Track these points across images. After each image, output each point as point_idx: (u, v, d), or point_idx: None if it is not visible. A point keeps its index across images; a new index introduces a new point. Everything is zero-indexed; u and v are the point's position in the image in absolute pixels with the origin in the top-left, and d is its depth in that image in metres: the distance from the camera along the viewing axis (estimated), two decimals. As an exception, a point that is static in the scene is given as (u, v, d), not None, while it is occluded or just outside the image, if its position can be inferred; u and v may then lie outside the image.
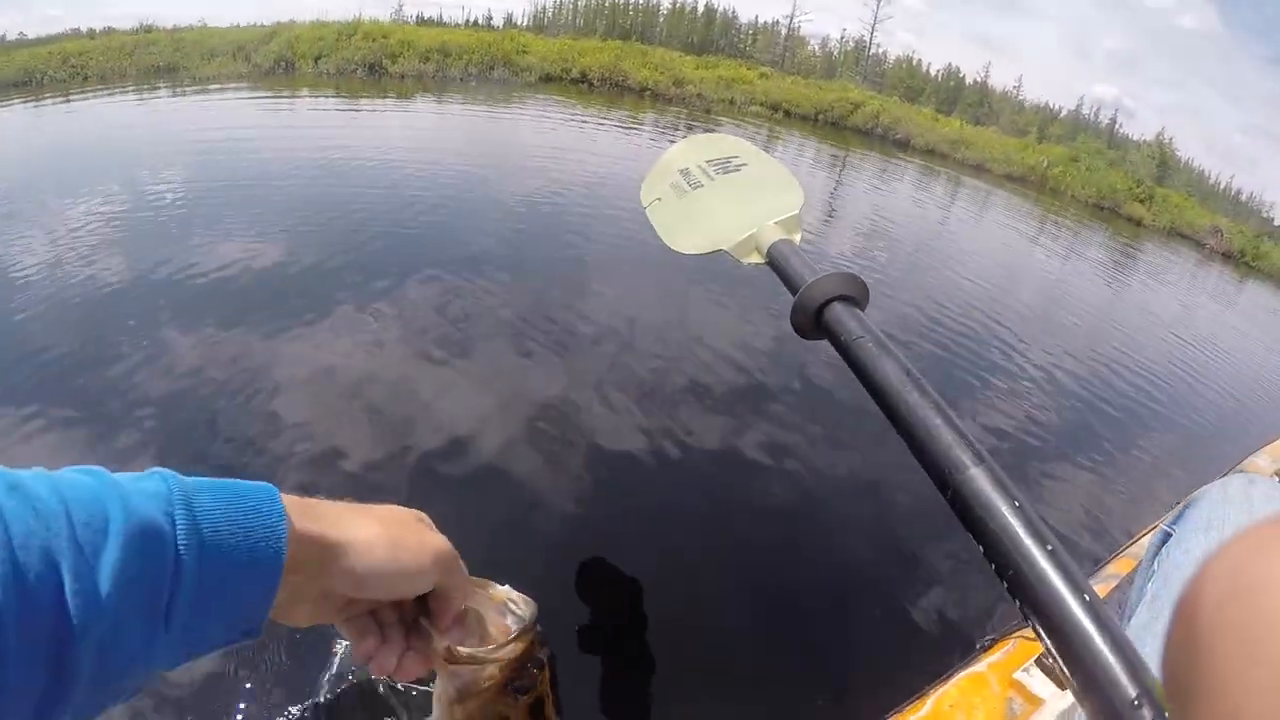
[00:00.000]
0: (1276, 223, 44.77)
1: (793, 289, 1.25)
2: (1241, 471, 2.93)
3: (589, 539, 3.94)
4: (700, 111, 24.92)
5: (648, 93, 27.32)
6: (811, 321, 1.18)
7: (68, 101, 24.25)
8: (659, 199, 1.90)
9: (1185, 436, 7.00)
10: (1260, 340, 13.53)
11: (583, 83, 28.08)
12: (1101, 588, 2.61)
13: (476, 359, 5.98)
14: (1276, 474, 3.29)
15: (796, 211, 1.56)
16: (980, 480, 0.88)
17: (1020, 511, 0.85)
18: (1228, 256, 26.71)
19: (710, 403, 5.54)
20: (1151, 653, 0.99)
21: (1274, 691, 0.32)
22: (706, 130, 19.75)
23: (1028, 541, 0.81)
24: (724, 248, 1.54)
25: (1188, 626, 0.39)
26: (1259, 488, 1.33)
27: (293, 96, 22.75)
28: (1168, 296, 15.23)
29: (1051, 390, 7.08)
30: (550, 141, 16.31)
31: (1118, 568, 2.73)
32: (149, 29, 36.25)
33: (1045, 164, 28.59)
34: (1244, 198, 46.48)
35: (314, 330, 6.35)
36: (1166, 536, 1.39)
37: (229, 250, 8.38)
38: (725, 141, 2.00)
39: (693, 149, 2.01)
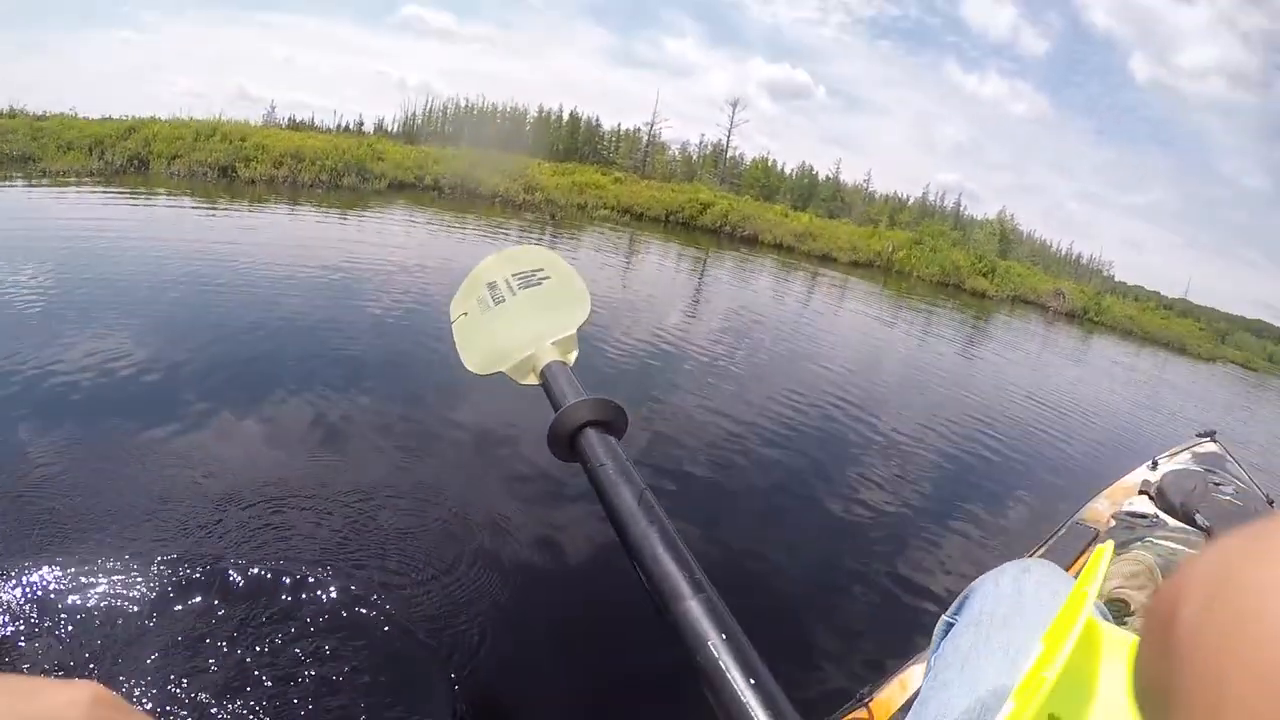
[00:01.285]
0: (1117, 278, 48.06)
1: (555, 411, 1.30)
2: (1029, 555, 3.12)
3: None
4: (547, 217, 25.59)
5: (498, 199, 27.75)
6: (566, 444, 1.23)
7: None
8: (465, 314, 1.95)
9: (1039, 490, 7.35)
10: (1107, 389, 14.37)
11: (434, 190, 28.40)
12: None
13: (319, 471, 5.93)
14: (1114, 516, 3.54)
15: (573, 331, 1.60)
16: (694, 611, 0.92)
17: (728, 643, 0.88)
18: (1071, 316, 28.76)
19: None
20: None
21: (1258, 694, 0.32)
22: (552, 238, 20.59)
23: (734, 673, 0.84)
24: (503, 369, 1.59)
25: (1166, 628, 0.40)
26: (1033, 574, 1.33)
27: (149, 196, 22.66)
28: (1019, 361, 15.96)
29: (908, 463, 7.39)
30: (396, 249, 16.88)
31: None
32: (15, 114, 35.29)
33: (890, 249, 30.12)
34: (1084, 260, 49.78)
35: (158, 441, 6.55)
36: (949, 628, 1.37)
37: (81, 350, 8.51)
38: (532, 254, 2.06)
39: (502, 262, 2.07)
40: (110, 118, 34.15)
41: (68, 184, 24.02)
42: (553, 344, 1.56)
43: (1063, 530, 3.60)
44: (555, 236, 21.12)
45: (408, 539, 5.10)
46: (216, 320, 9.83)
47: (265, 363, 8.57)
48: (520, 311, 1.82)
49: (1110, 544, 0.83)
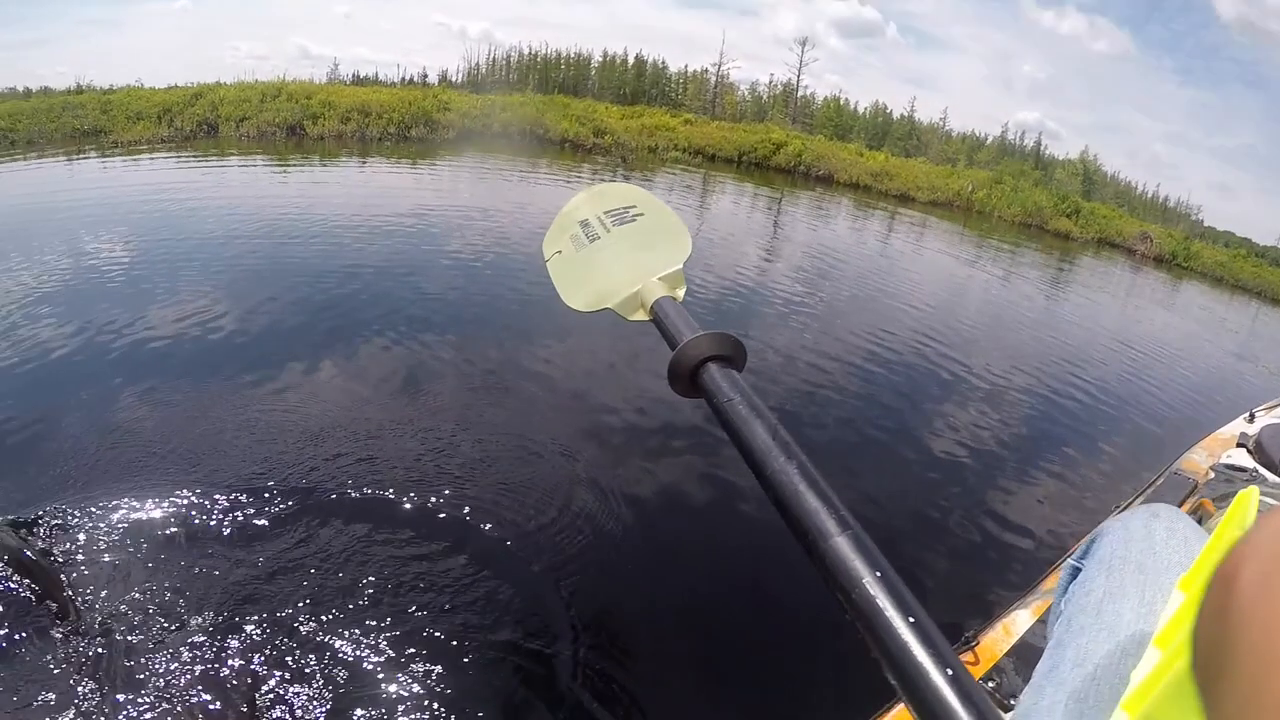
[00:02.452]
0: (1205, 223, 46.23)
1: (671, 347, 1.25)
2: (1156, 494, 3.24)
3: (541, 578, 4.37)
4: (618, 160, 25.24)
5: (567, 144, 27.49)
6: (687, 381, 1.19)
7: (-11, 167, 24.79)
8: (559, 252, 1.88)
9: (1131, 438, 7.23)
10: (1198, 338, 13.83)
11: (504, 137, 28.17)
12: (1039, 605, 2.74)
13: (408, 413, 6.37)
14: (1212, 468, 3.45)
15: (679, 266, 1.55)
16: (844, 548, 0.88)
17: (882, 581, 0.84)
18: (1160, 260, 27.39)
19: (635, 445, 5.93)
20: (1052, 704, 1.14)
21: None
22: (624, 180, 20.47)
23: (891, 611, 0.81)
24: (610, 305, 1.54)
25: (1226, 591, 0.39)
26: (1161, 522, 1.31)
27: (220, 158, 23.07)
28: (1106, 305, 15.56)
29: (999, 405, 7.31)
30: (471, 198, 16.81)
31: (1052, 582, 2.81)
32: (83, 89, 36.50)
33: (970, 188, 29.19)
34: (1171, 204, 47.82)
35: (258, 387, 6.75)
36: (1075, 572, 1.35)
37: (171, 312, 8.60)
38: (623, 191, 1.94)
39: (592, 199, 1.98)
40: (176, 86, 34.93)
41: (140, 152, 24.65)
42: (659, 279, 1.52)
43: (1160, 480, 3.53)
44: (628, 180, 21.05)
45: (510, 475, 5.30)
46: (300, 272, 10.13)
47: (356, 311, 8.86)
48: (619, 248, 1.77)
49: (1255, 490, 0.81)
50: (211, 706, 3.66)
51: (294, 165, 22.37)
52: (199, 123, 28.92)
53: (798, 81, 48.63)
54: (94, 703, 3.70)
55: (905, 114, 50.02)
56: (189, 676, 3.80)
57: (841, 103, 49.94)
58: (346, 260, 10.76)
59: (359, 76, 42.31)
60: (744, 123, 39.65)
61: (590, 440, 5.93)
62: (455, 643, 3.85)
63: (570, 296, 1.68)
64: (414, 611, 4.10)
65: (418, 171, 21.33)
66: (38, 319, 8.59)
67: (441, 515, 4.87)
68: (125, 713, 3.60)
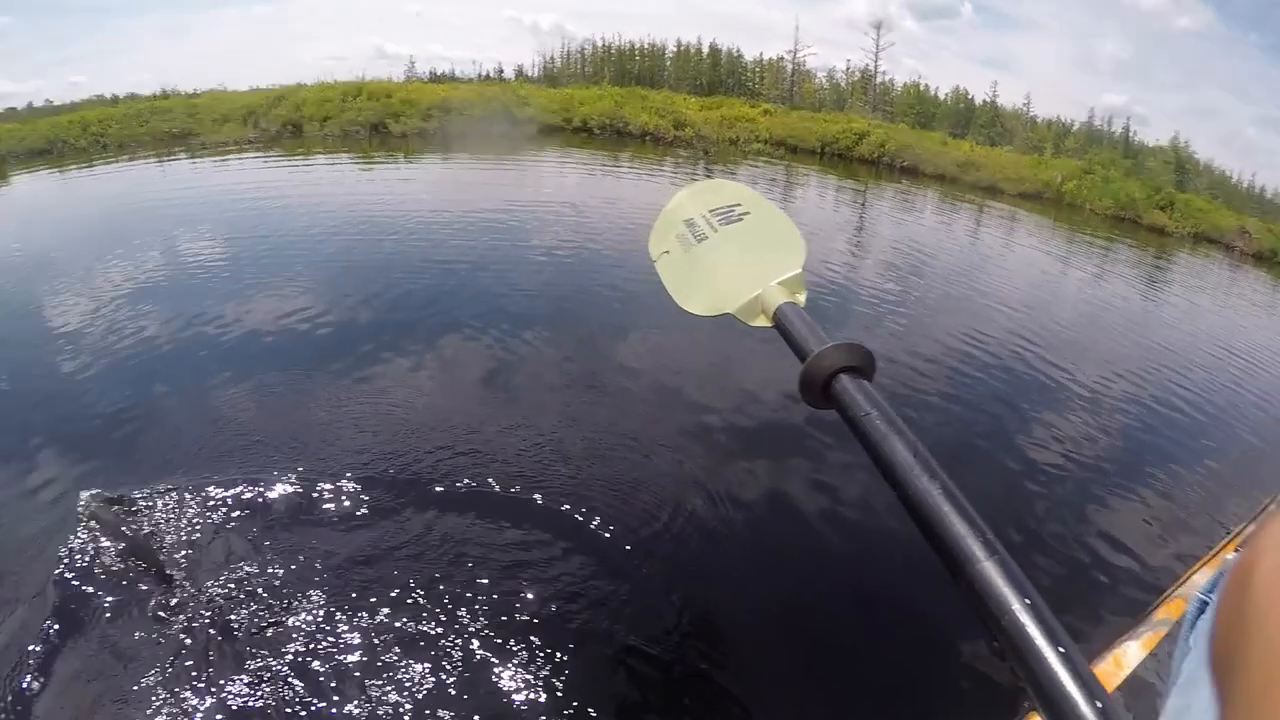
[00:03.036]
0: None
1: (800, 357, 1.27)
2: None
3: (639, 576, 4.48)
4: (699, 153, 25.03)
5: (648, 137, 27.43)
6: (819, 392, 1.20)
7: (90, 168, 25.63)
8: (667, 252, 1.92)
9: (1244, 455, 6.95)
10: None
11: (584, 131, 28.30)
12: (1150, 637, 2.70)
13: (501, 411, 6.47)
14: None
15: (799, 270, 1.55)
16: (992, 574, 0.89)
17: (1032, 609, 0.86)
18: (1259, 258, 26.11)
19: (738, 446, 5.98)
20: None
21: None
22: (706, 175, 20.17)
23: (1040, 641, 0.82)
24: (730, 310, 1.56)
25: (1242, 589, 0.39)
26: None
27: (307, 158, 23.60)
28: (1208, 307, 14.89)
29: (1100, 414, 7.14)
30: (556, 192, 16.90)
31: (1167, 612, 2.79)
32: (167, 95, 37.92)
33: (1059, 179, 28.28)
34: (1269, 194, 45.89)
35: (356, 380, 7.05)
36: (1202, 606, 1.31)
37: (268, 306, 8.85)
38: (727, 189, 2.00)
39: (695, 197, 2.02)
40: (258, 89, 35.89)
41: (228, 153, 25.43)
42: (779, 284, 1.53)
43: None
44: (710, 173, 20.79)
45: (615, 473, 5.44)
46: (394, 268, 10.44)
47: (452, 306, 9.06)
48: (729, 249, 1.79)
49: None
50: (299, 686, 3.87)
51: (379, 163, 22.94)
52: (284, 123, 29.79)
53: (875, 67, 47.63)
54: (180, 672, 3.99)
55: (988, 99, 48.85)
56: (279, 657, 4.02)
57: (921, 89, 48.90)
58: (439, 256, 10.99)
59: (436, 74, 42.72)
60: (824, 112, 39.18)
61: (695, 440, 5.99)
62: (559, 636, 3.99)
63: (684, 299, 1.74)
64: (516, 604, 4.24)
65: (502, 167, 21.56)
66: (141, 312, 9.06)
67: (545, 510, 5.01)
68: (210, 685, 3.88)
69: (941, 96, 48.88)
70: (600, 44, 49.32)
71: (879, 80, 47.92)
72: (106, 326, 8.81)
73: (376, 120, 29.36)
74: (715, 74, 48.18)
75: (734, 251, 1.77)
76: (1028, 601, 0.87)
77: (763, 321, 1.50)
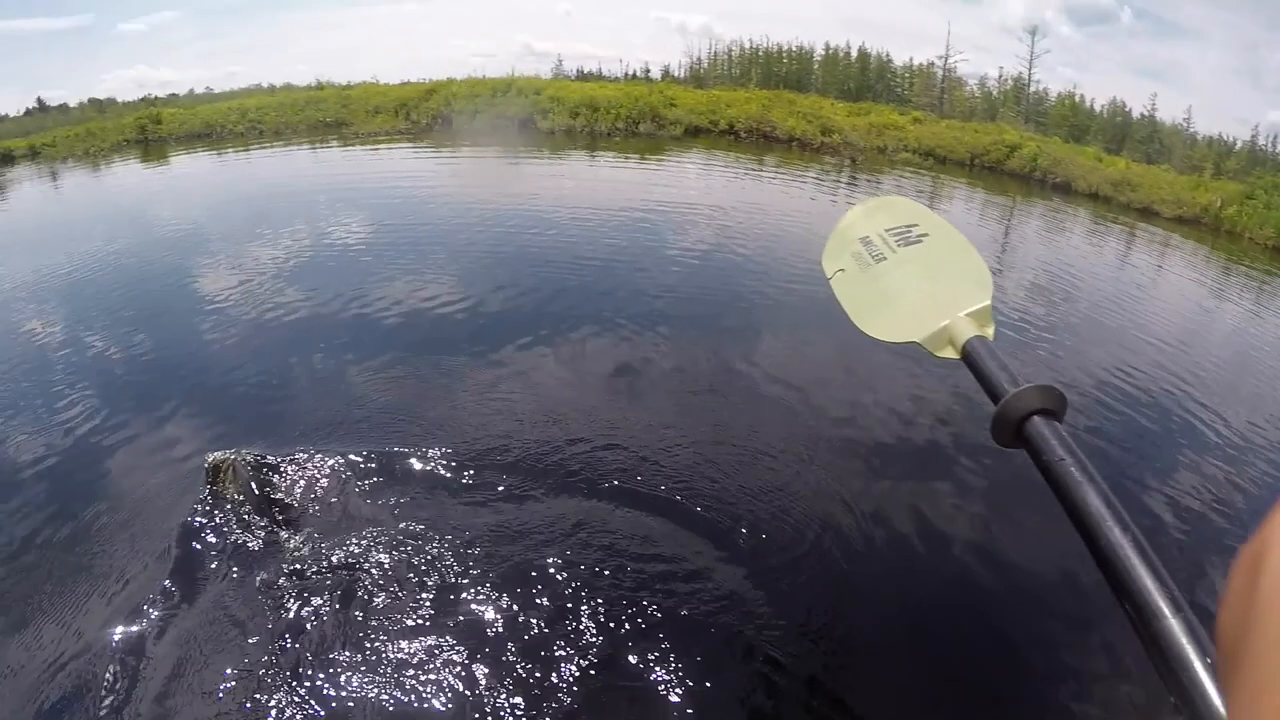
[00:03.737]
0: None
1: (991, 395, 1.27)
2: None
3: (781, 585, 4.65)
4: (846, 160, 24.90)
5: (795, 143, 27.18)
6: (1011, 433, 1.20)
7: (247, 153, 27.02)
8: (842, 270, 1.88)
9: None
10: None
11: (730, 134, 28.34)
12: None
13: (644, 408, 6.78)
14: None
15: (989, 302, 1.54)
16: (1176, 630, 0.89)
17: (1214, 669, 0.83)
18: None
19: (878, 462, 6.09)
20: None
21: None
22: (852, 183, 20.49)
23: (1219, 701, 0.80)
24: (917, 339, 1.54)
25: (1251, 579, 0.38)
26: None
27: (454, 150, 24.73)
28: None
29: (1249, 465, 6.92)
30: (701, 194, 17.08)
31: None
32: (323, 86, 39.71)
33: (1218, 203, 26.17)
34: None
35: (490, 366, 7.50)
36: None
37: (408, 290, 9.67)
38: (904, 207, 1.97)
39: (871, 214, 2.00)
40: (409, 82, 37.24)
41: (379, 143, 26.65)
42: (968, 315, 1.50)
43: None
44: (854, 181, 20.84)
45: (756, 480, 5.61)
46: (534, 260, 11.04)
47: (590, 301, 9.47)
48: (909, 272, 1.75)
49: None
50: (407, 658, 4.15)
51: (525, 158, 23.72)
52: (434, 116, 31.12)
53: (1029, 76, 46.24)
54: (290, 631, 4.38)
55: (1145, 113, 46.87)
56: (391, 630, 4.32)
57: (1076, 100, 47.39)
58: (584, 251, 11.45)
59: (583, 72, 43.32)
60: (974, 121, 38.29)
61: (841, 454, 6.11)
62: (691, 638, 4.16)
63: (865, 322, 1.71)
64: (648, 601, 4.39)
65: (646, 167, 21.93)
66: (287, 288, 9.98)
67: (684, 512, 5.18)
68: (317, 647, 4.34)
69: (1097, 108, 47.14)
70: (748, 46, 49.29)
71: (1032, 89, 46.48)
72: (254, 300, 9.72)
73: (525, 116, 30.06)
74: (864, 79, 47.43)
75: (916, 276, 1.74)
76: (1208, 661, 0.86)
77: (950, 353, 1.50)
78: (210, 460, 5.86)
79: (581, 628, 4.25)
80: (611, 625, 4.26)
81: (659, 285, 9.95)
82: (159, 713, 4.05)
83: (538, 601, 4.44)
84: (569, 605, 4.40)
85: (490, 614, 4.39)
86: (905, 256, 1.79)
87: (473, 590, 4.53)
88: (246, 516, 5.40)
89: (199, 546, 5.14)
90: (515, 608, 4.40)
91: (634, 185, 18.60)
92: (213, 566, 4.99)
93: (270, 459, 5.89)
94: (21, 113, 48.07)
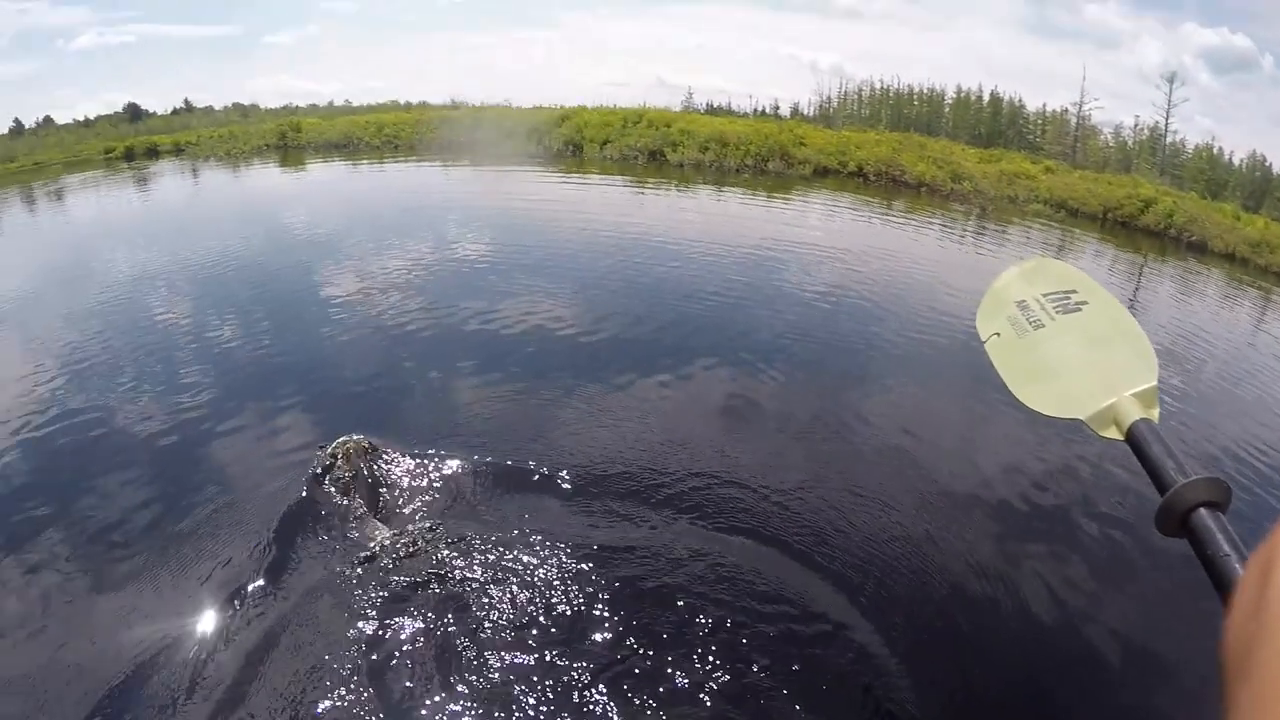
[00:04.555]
0: None
1: (1158, 483, 1.25)
2: None
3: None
4: (975, 209, 24.51)
5: (924, 188, 26.86)
6: (1176, 524, 1.18)
7: (381, 165, 28.22)
8: (997, 334, 1.83)
9: None
10: None
11: (858, 176, 28.14)
12: None
13: (765, 447, 6.95)
14: None
15: (1155, 383, 1.49)
16: None
17: None
18: None
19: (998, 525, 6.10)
20: None
21: None
22: (980, 232, 20.49)
23: None
24: (1081, 417, 1.51)
25: (1260, 587, 0.38)
26: None
27: (583, 177, 25.61)
28: None
29: None
30: (829, 236, 17.22)
31: None
32: (457, 105, 41.27)
33: None
34: None
35: (606, 391, 7.86)
36: None
37: (526, 309, 10.34)
38: (1061, 271, 1.94)
39: (1027, 277, 1.96)
40: (541, 107, 38.48)
41: (509, 165, 27.09)
42: (1134, 395, 1.47)
43: None
44: (982, 230, 20.67)
45: (874, 533, 5.68)
46: (653, 289, 11.53)
47: (706, 333, 9.83)
48: (1069, 343, 1.71)
49: None
50: (511, 672, 4.35)
51: (652, 189, 24.39)
52: (565, 142, 32.13)
53: (1166, 125, 44.68)
54: (388, 617, 4.77)
55: None
56: (498, 638, 4.59)
57: (1214, 152, 45.74)
58: (703, 284, 11.81)
59: (713, 105, 43.87)
60: (1107, 172, 37.57)
61: (971, 515, 6.16)
62: (815, 688, 4.32)
63: (1025, 393, 1.65)
64: (768, 640, 4.60)
65: (773, 205, 22.19)
66: (410, 296, 10.90)
67: (802, 554, 5.34)
68: (406, 635, 4.64)
69: (1235, 161, 45.35)
70: (878, 86, 49.17)
71: (1169, 139, 44.97)
72: (377, 305, 10.61)
73: (655, 147, 30.73)
74: (995, 124, 46.94)
75: (1077, 347, 1.70)
76: None
77: (1114, 434, 1.45)
78: (328, 449, 6.49)
79: (698, 661, 4.44)
80: (730, 662, 4.43)
81: (785, 323, 10.24)
82: (242, 685, 4.47)
83: (651, 629, 4.65)
84: (685, 635, 4.61)
85: (598, 635, 4.62)
86: (1065, 325, 1.76)
87: (582, 609, 4.79)
88: (355, 502, 5.93)
89: (303, 529, 5.73)
90: (626, 631, 4.64)
91: (761, 223, 18.86)
92: (314, 548, 5.52)
93: (386, 451, 6.48)
94: (169, 111, 52.60)
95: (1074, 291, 1.82)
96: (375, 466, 6.37)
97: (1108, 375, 1.54)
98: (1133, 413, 1.43)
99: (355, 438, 6.56)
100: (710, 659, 4.42)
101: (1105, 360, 1.60)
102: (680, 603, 4.83)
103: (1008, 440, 7.45)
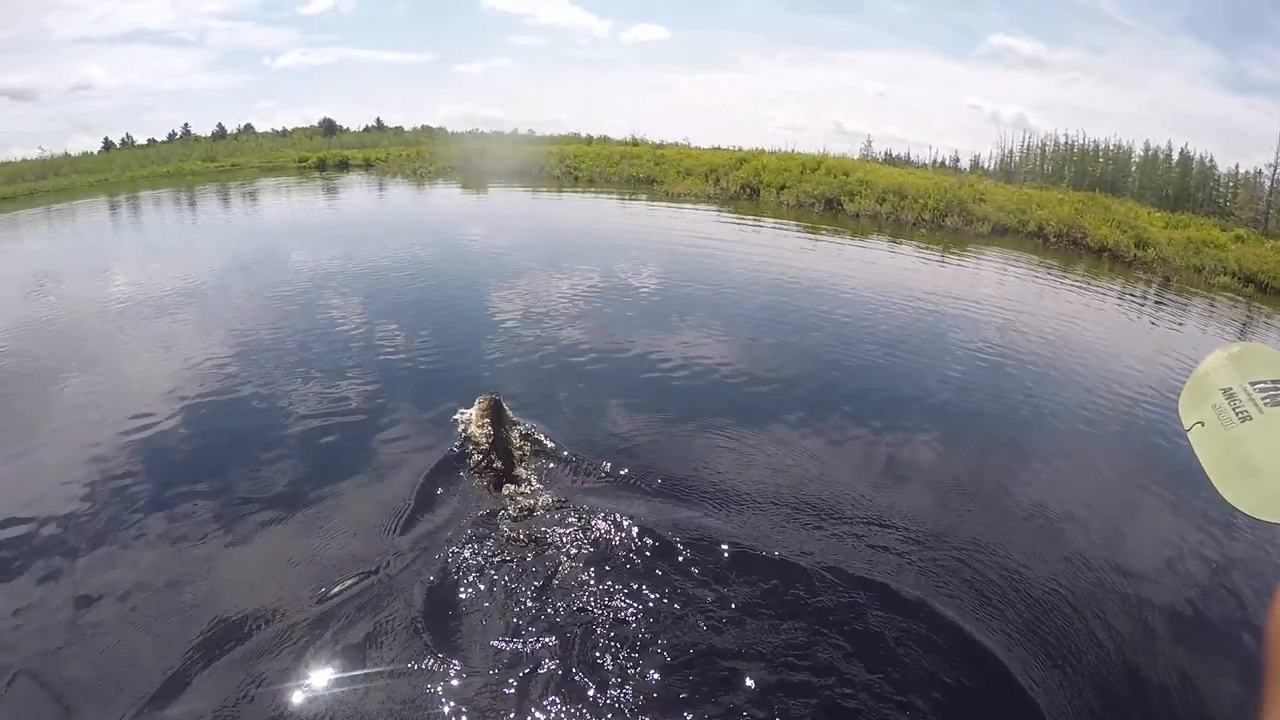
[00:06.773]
0: None
1: None
2: None
3: None
4: (1157, 278, 23.15)
5: (1105, 253, 25.76)
6: None
7: (559, 194, 29.42)
8: (1201, 423, 1.71)
9: None
10: None
11: (1038, 237, 27.41)
12: None
13: (916, 504, 6.98)
14: None
15: None
16: None
17: None
18: None
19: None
20: None
21: None
22: (1159, 303, 19.96)
23: None
24: None
25: None
26: None
27: (757, 220, 26.36)
28: None
29: None
30: (1005, 298, 17.21)
31: None
32: (637, 142, 42.66)
33: None
34: None
35: (754, 431, 8.19)
36: None
37: (686, 343, 11.09)
38: (1271, 358, 1.79)
39: (1235, 362, 1.82)
40: (719, 148, 39.46)
41: (685, 203, 28.32)
42: None
43: None
44: (1162, 302, 19.87)
45: (1028, 622, 5.57)
46: (816, 337, 12.07)
47: (868, 382, 10.23)
48: (1277, 439, 1.55)
49: None
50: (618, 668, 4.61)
51: (826, 238, 24.67)
52: (742, 185, 33.24)
53: None
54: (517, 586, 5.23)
55: None
56: (607, 635, 4.90)
57: None
58: (868, 336, 12.26)
59: (890, 155, 44.08)
60: None
61: (1123, 610, 5.97)
62: None
63: (1231, 490, 1.51)
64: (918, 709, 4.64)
65: (948, 262, 22.29)
66: (574, 320, 11.93)
67: (948, 625, 5.33)
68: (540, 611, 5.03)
69: None
70: (1062, 141, 48.62)
71: None
72: (538, 322, 11.74)
73: (832, 196, 31.16)
74: (1184, 184, 45.14)
75: None
76: None
77: None
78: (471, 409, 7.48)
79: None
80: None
81: (939, 380, 10.48)
82: (356, 650, 4.91)
83: (788, 679, 4.73)
84: (829, 689, 4.69)
85: (735, 679, 4.71)
86: (1274, 418, 1.61)
87: (684, 651, 4.90)
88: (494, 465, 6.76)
89: (449, 485, 6.60)
90: (765, 677, 4.73)
91: (932, 277, 19.05)
92: (448, 533, 6.13)
93: (532, 427, 7.45)
94: (361, 128, 56.73)
95: None
96: (519, 435, 7.35)
97: None
98: None
99: (494, 397, 7.44)
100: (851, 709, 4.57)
101: None
102: (825, 654, 4.94)
103: (1173, 534, 7.24)
